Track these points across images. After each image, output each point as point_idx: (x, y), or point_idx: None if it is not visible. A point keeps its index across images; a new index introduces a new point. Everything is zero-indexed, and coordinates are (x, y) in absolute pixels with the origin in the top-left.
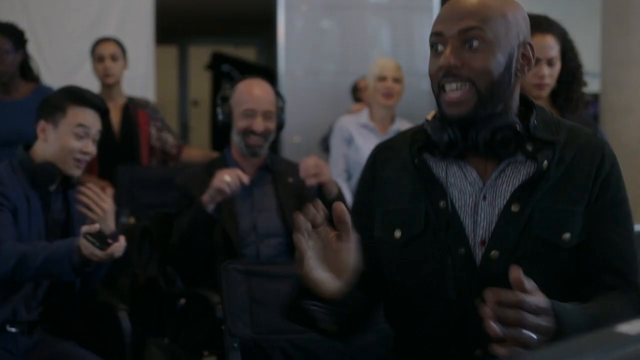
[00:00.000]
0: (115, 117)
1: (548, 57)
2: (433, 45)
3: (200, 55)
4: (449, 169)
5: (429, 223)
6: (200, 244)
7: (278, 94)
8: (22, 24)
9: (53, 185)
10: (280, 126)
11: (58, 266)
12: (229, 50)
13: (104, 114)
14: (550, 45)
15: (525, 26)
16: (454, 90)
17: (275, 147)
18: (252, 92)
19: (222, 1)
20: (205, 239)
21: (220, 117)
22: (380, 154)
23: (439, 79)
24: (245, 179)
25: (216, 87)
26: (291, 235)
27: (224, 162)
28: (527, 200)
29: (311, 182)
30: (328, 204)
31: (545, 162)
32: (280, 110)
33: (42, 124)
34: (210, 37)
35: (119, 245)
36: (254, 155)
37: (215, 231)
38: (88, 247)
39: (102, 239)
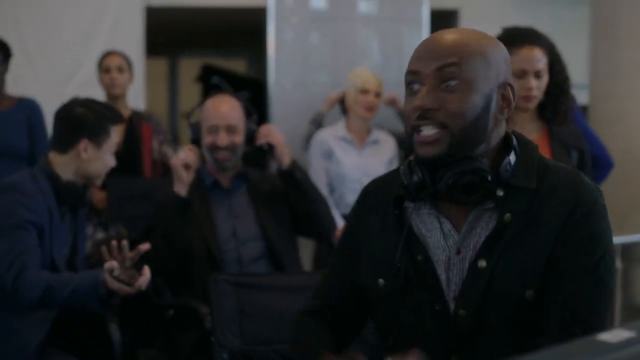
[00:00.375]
0: (119, 129)
1: (535, 70)
2: (409, 84)
3: (190, 67)
4: (427, 218)
5: (409, 277)
6: (181, 236)
7: (247, 108)
8: (12, 35)
9: (85, 207)
10: (249, 138)
11: (85, 299)
12: (219, 62)
13: None
14: (538, 58)
15: (506, 66)
16: (427, 132)
17: (266, 158)
18: (215, 108)
19: (212, 13)
20: (184, 229)
21: (190, 135)
22: (369, 196)
23: (413, 120)
24: (194, 154)
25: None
26: (269, 239)
27: (200, 176)
28: (494, 255)
29: (260, 141)
30: (281, 172)
31: (508, 215)
32: (250, 123)
33: (84, 143)
34: (200, 49)
35: (145, 278)
36: (223, 169)
37: (195, 239)
38: (114, 283)
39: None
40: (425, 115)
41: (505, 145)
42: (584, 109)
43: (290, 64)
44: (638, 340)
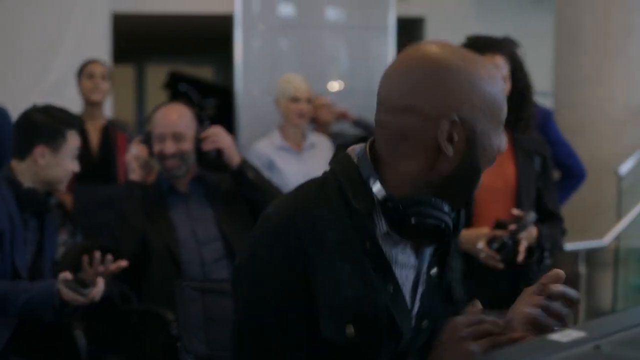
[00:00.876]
0: (94, 137)
1: None
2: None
3: (158, 74)
4: (390, 242)
5: (385, 311)
6: (136, 221)
7: (199, 115)
8: None
9: (49, 212)
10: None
11: (39, 309)
12: (187, 69)
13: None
14: (500, 65)
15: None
16: None
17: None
18: (162, 117)
19: (179, 20)
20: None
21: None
22: (304, 232)
23: None
24: (144, 148)
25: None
26: (228, 240)
27: (158, 183)
28: (441, 263)
29: (207, 147)
30: (231, 174)
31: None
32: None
33: (41, 148)
34: (168, 56)
35: (98, 290)
36: (173, 177)
37: (154, 243)
38: (69, 294)
39: (82, 284)
40: None
41: None
42: None
43: (258, 71)
44: (587, 340)
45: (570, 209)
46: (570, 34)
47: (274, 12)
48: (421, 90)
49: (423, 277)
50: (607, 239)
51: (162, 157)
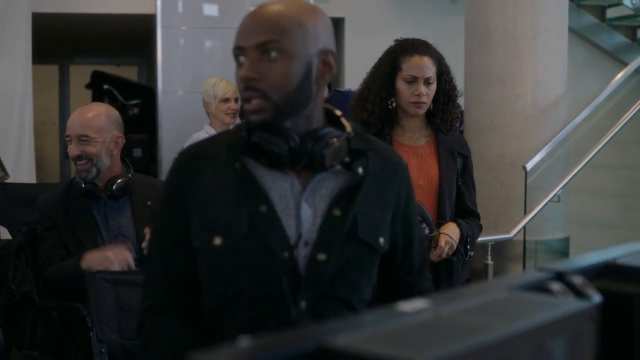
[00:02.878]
0: None
1: (425, 77)
2: (236, 57)
3: (82, 73)
4: (268, 172)
5: (252, 228)
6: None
7: (111, 116)
8: None
9: None
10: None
11: None
12: (111, 69)
13: None
14: (428, 66)
15: (326, 33)
16: (251, 101)
17: (155, 165)
18: (70, 118)
19: (103, 20)
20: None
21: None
22: (191, 161)
23: (241, 90)
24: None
25: None
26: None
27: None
28: (348, 206)
29: None
30: None
31: (361, 170)
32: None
33: None
34: (92, 56)
35: None
36: (85, 182)
37: (74, 241)
38: None
39: None
40: (249, 86)
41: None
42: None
43: (179, 71)
44: (428, 309)
45: (482, 204)
46: (480, 35)
47: (196, 12)
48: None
49: (319, 211)
50: (513, 232)
51: (74, 160)
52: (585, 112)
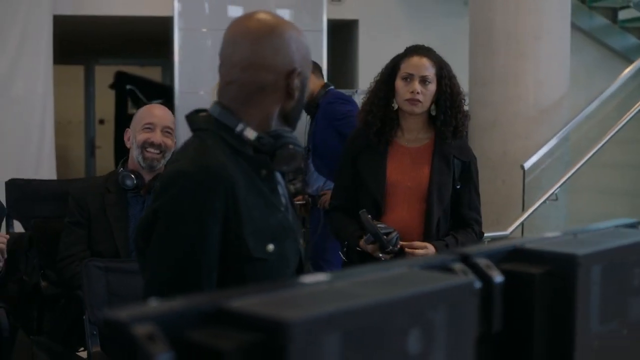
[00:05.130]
0: None
1: (421, 74)
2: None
3: (106, 74)
4: (275, 176)
5: (288, 229)
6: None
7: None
8: None
9: None
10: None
11: None
12: (136, 69)
13: None
14: (425, 66)
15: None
16: None
17: None
18: (153, 110)
19: (122, 22)
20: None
21: None
22: (219, 180)
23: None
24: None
25: (119, 106)
26: None
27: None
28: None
29: None
30: None
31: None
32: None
33: None
34: (117, 57)
35: None
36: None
37: (106, 235)
38: None
39: None
40: None
41: None
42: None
43: (196, 71)
44: (326, 281)
45: (485, 202)
46: (483, 36)
47: (211, 14)
48: (272, 51)
49: (291, 201)
50: (510, 230)
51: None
52: (586, 111)
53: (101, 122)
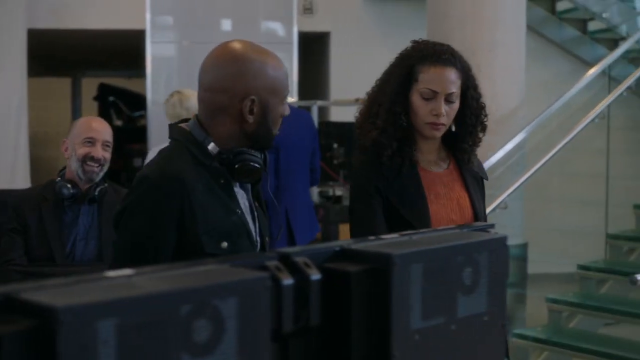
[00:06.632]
0: None
1: (447, 92)
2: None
3: (94, 86)
4: (231, 184)
5: (242, 229)
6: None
7: None
8: None
9: None
10: None
11: None
12: (122, 81)
13: None
14: (451, 80)
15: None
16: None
17: None
18: (92, 124)
19: (101, 35)
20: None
21: None
22: (176, 184)
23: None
24: None
25: (103, 117)
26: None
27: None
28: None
29: None
30: None
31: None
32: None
33: None
34: (104, 69)
35: None
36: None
37: (42, 242)
38: None
39: None
40: None
41: None
42: None
43: (167, 82)
44: (127, 276)
45: None
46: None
47: (182, 27)
48: (230, 77)
49: (254, 206)
50: None
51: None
52: (539, 120)
53: None
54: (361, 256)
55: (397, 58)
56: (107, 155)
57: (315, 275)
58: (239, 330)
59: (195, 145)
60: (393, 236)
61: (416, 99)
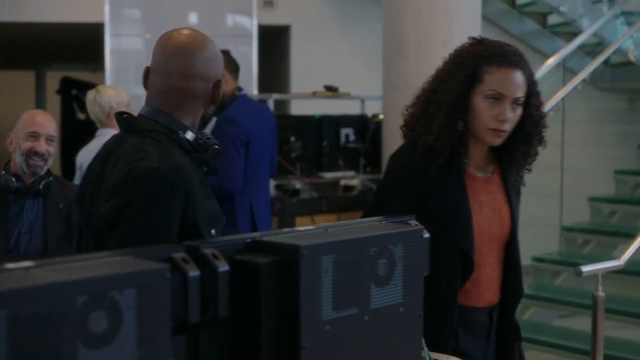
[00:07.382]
0: None
1: (515, 96)
2: None
3: (58, 79)
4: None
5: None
6: None
7: None
8: None
9: None
10: None
11: None
12: (86, 75)
13: None
14: (519, 83)
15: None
16: None
17: None
18: (36, 118)
19: (62, 28)
20: None
21: None
22: (181, 176)
23: None
24: None
25: (66, 111)
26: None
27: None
28: None
29: None
30: None
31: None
32: None
33: None
34: (68, 62)
35: None
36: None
37: None
38: None
39: None
40: None
41: None
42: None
43: (126, 75)
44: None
45: None
46: (396, 42)
47: (141, 20)
48: (204, 63)
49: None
50: None
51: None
52: None
53: None
54: (271, 248)
55: (455, 56)
56: (51, 149)
57: (223, 267)
58: (138, 321)
59: (176, 135)
60: (308, 228)
61: (479, 101)
